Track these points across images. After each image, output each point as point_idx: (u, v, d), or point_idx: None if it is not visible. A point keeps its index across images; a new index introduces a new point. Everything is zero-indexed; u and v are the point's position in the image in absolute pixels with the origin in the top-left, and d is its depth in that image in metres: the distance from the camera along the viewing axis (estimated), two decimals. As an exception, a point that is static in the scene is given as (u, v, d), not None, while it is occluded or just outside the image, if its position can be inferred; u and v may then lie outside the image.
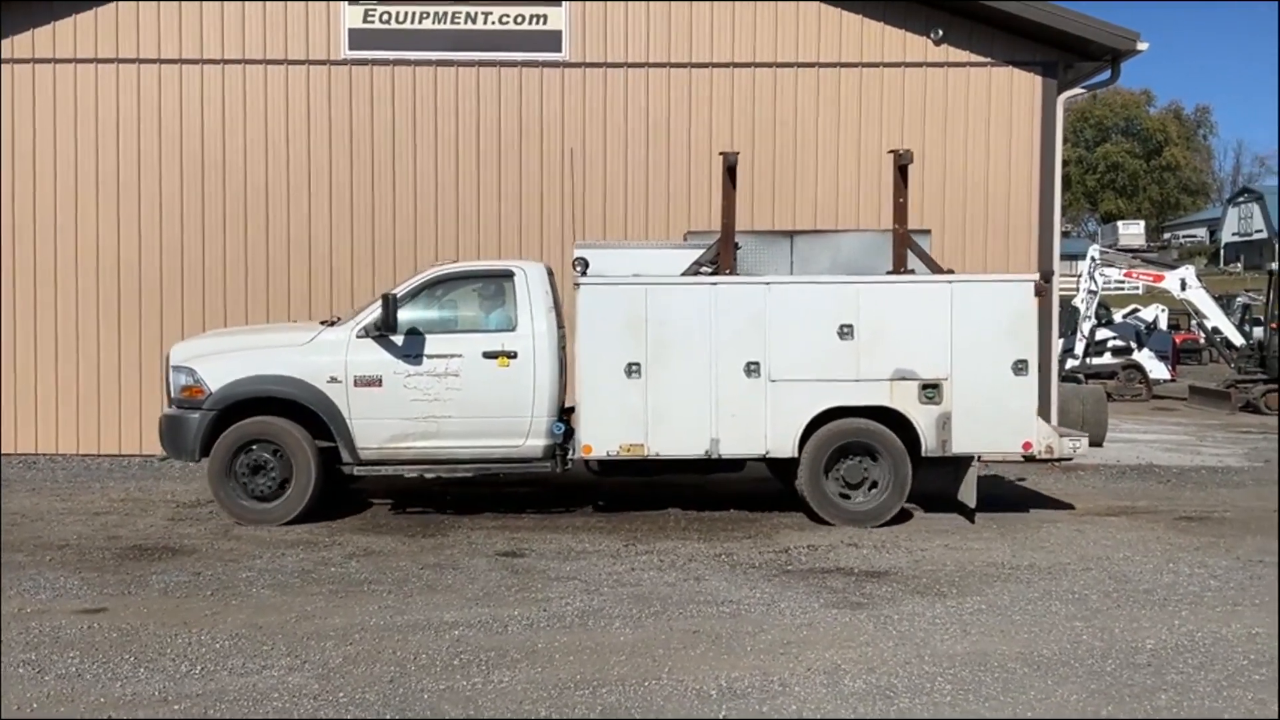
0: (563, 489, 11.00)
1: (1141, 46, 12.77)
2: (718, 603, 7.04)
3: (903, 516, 9.54)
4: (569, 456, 9.51)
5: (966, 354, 9.32)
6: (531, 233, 13.13)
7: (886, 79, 13.23)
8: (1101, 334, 24.22)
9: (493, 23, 13.06)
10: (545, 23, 13.08)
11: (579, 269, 9.64)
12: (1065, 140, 15.63)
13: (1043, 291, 9.59)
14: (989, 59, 13.20)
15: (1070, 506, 10.52)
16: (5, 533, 8.96)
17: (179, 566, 7.94)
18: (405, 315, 9.37)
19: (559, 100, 13.14)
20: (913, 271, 9.86)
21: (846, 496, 9.44)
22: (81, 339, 13.06)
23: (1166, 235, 79.77)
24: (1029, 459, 9.60)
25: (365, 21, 13.04)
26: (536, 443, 9.49)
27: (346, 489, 10.38)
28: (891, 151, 10.36)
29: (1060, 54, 13.19)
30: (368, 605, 6.93)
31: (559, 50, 13.12)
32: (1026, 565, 8.09)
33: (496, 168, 13.15)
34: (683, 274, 9.75)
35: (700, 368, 9.31)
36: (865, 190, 13.19)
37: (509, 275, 9.70)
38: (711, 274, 9.70)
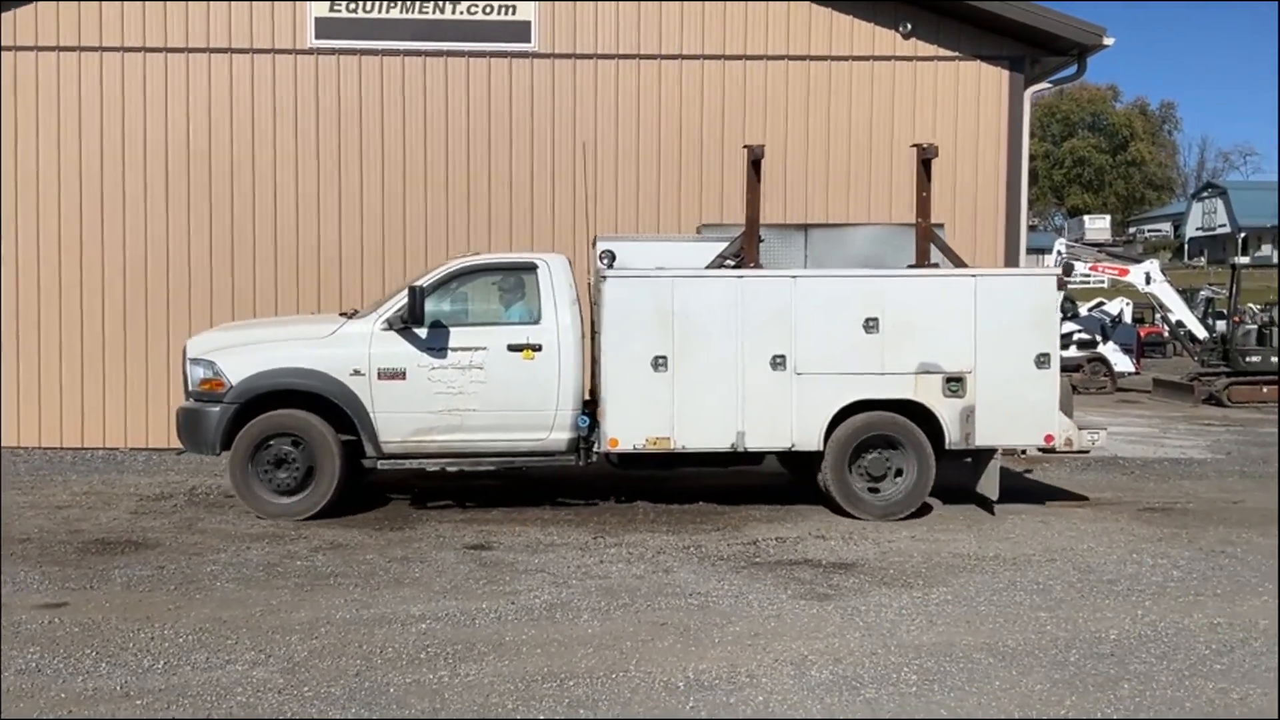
0: (530, 482, 10.96)
1: (1108, 42, 12.87)
2: (686, 595, 7.05)
3: (922, 510, 9.58)
4: (594, 449, 9.47)
5: (990, 347, 9.38)
6: (501, 227, 13.07)
7: (856, 72, 13.26)
8: (1067, 327, 24.41)
9: (461, 13, 12.98)
10: (514, 13, 13.01)
11: (605, 261, 9.64)
12: (1032, 135, 15.76)
13: (1063, 286, 9.65)
14: (957, 53, 13.26)
15: (1042, 501, 10.60)
16: (-36, 527, 8.84)
17: (142, 560, 7.86)
18: (429, 307, 9.30)
19: (528, 91, 13.08)
20: (936, 265, 9.93)
21: (873, 490, 9.47)
22: (43, 331, 12.87)
23: (1132, 230, 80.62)
24: (1048, 451, 9.70)
25: (332, 11, 12.93)
26: (561, 436, 9.46)
27: (360, 483, 10.24)
28: (915, 145, 10.42)
29: (1027, 49, 13.26)
30: (334, 599, 6.89)
31: (528, 41, 13.05)
32: (992, 556, 8.14)
33: (465, 159, 13.07)
34: (707, 267, 9.75)
35: (726, 361, 9.30)
36: (834, 181, 13.23)
37: (532, 268, 9.65)
38: (734, 267, 9.69)
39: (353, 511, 9.51)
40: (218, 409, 9.23)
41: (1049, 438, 9.49)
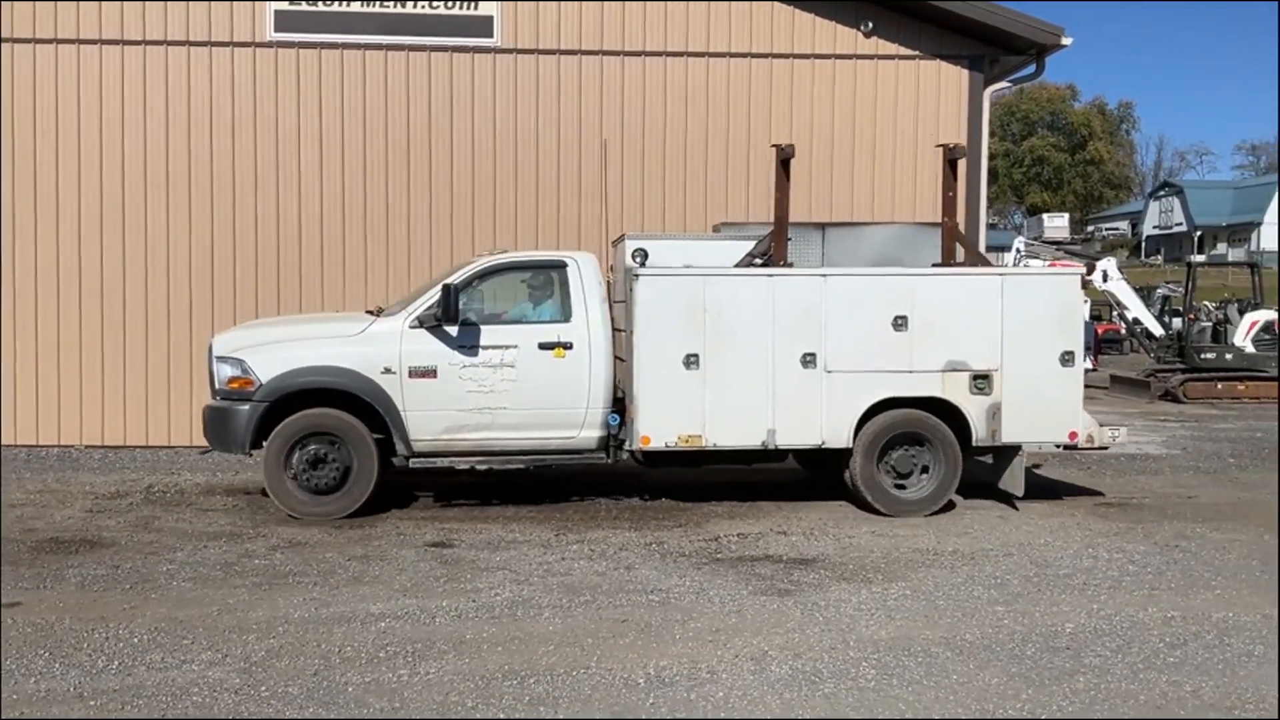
0: (496, 478, 10.92)
1: (1065, 41, 13.00)
2: (647, 591, 7.05)
3: (946, 507, 9.64)
4: (624, 447, 9.47)
5: (1016, 345, 9.47)
6: (462, 225, 13.03)
7: (817, 71, 13.31)
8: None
9: (423, 7, 12.90)
10: (476, 8, 12.95)
11: (638, 260, 9.64)
12: (993, 134, 15.88)
13: (1086, 285, 9.76)
14: (917, 52, 13.35)
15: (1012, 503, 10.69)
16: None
17: (97, 559, 7.76)
18: (459, 305, 9.27)
19: (490, 86, 13.03)
20: (962, 264, 9.98)
21: (900, 486, 9.52)
22: (-4, 327, 12.70)
23: (1090, 228, 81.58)
24: (1070, 448, 9.82)
25: (292, 3, 12.80)
26: (591, 434, 9.48)
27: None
28: (940, 145, 10.53)
29: (986, 48, 13.38)
30: (292, 598, 6.83)
31: (490, 36, 13.00)
32: (950, 551, 8.21)
33: (428, 155, 12.99)
34: (735, 265, 9.77)
35: (757, 359, 9.33)
36: (796, 179, 13.24)
37: (562, 266, 9.65)
38: (762, 265, 9.72)
39: (376, 510, 9.45)
40: (247, 407, 9.13)
41: (1073, 434, 9.62)
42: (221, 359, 9.31)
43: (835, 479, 9.98)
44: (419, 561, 7.78)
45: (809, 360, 9.36)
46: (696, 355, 9.27)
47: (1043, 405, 9.52)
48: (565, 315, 9.50)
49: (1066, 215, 69.83)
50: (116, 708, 5.07)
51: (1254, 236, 76.75)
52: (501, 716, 5.03)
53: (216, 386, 9.37)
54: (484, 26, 12.99)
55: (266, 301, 12.82)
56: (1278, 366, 20.88)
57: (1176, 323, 23.15)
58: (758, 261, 9.81)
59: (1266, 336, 21.66)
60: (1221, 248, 76.05)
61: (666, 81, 13.17)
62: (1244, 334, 21.58)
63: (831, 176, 13.33)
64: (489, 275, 9.65)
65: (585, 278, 9.58)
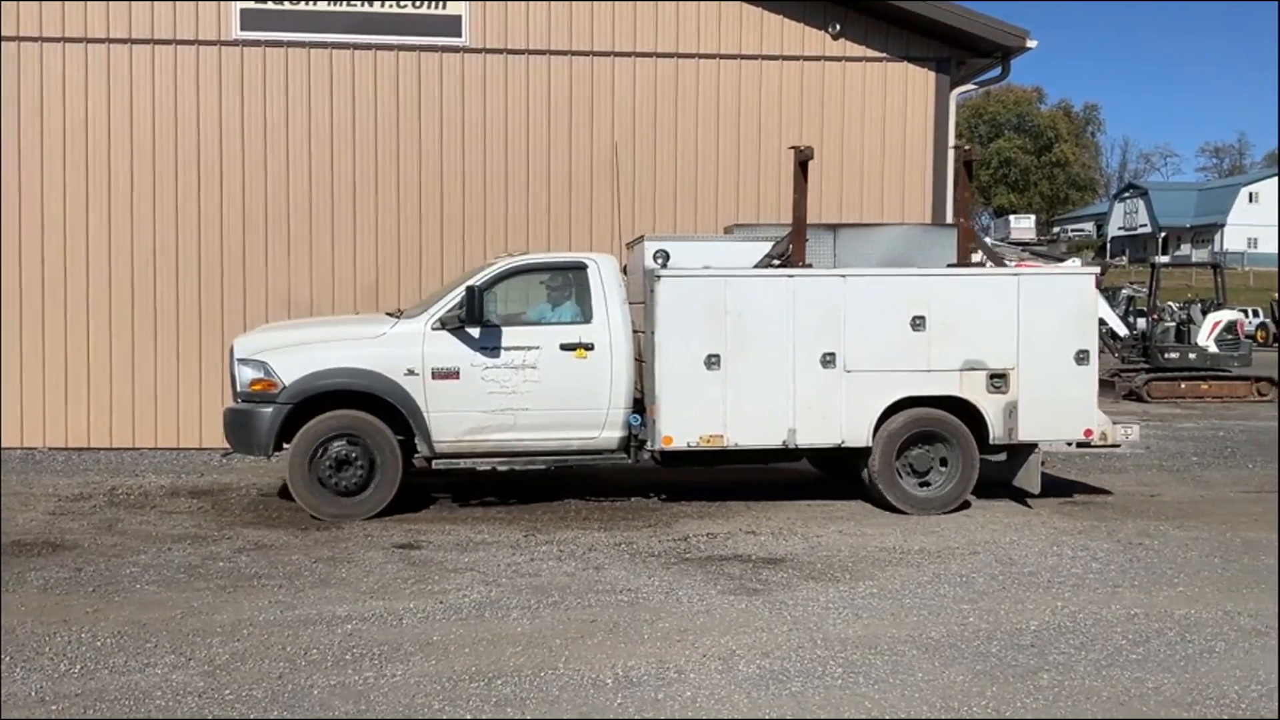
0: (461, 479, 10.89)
1: (1031, 44, 13.12)
2: (616, 591, 7.05)
3: (962, 506, 9.70)
4: (645, 447, 9.49)
5: (1032, 344, 9.56)
6: (430, 225, 12.99)
7: (786, 72, 13.36)
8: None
9: (391, 5, 12.84)
10: (444, 7, 12.90)
11: (659, 261, 9.67)
12: (960, 136, 15.97)
13: (1100, 284, 9.88)
14: (884, 54, 13.42)
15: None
16: None
17: (60, 562, 7.67)
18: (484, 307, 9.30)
19: (458, 87, 12.98)
20: (982, 264, 10.05)
21: (920, 485, 9.58)
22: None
23: (1056, 229, 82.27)
24: (1084, 445, 9.93)
25: (258, 1, 12.71)
26: (612, 434, 9.52)
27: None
28: (955, 147, 10.65)
29: (952, 50, 13.47)
30: (257, 600, 6.78)
31: (459, 35, 12.96)
32: (917, 550, 8.26)
33: (394, 155, 12.93)
34: (754, 266, 9.81)
35: (778, 359, 9.37)
36: (765, 180, 13.31)
37: (582, 267, 9.70)
38: (779, 266, 9.77)
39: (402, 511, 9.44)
40: (270, 410, 9.10)
41: (1088, 432, 9.74)
42: (244, 361, 9.29)
43: (848, 479, 10.11)
44: (386, 563, 7.74)
45: (829, 360, 9.43)
46: (718, 356, 9.32)
47: (1059, 403, 9.64)
48: (586, 316, 9.56)
49: (1033, 217, 70.39)
50: (79, 712, 5.02)
51: (1217, 237, 77.78)
52: (468, 718, 5.01)
53: (238, 389, 9.34)
54: (452, 26, 12.94)
55: (231, 301, 12.72)
56: (1278, 367, 21.13)
57: (1141, 323, 23.39)
58: (775, 262, 9.88)
59: (1229, 336, 21.92)
60: (1185, 249, 76.96)
61: (635, 80, 13.16)
62: (1207, 334, 21.82)
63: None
64: (510, 277, 9.68)
65: (605, 279, 9.64)
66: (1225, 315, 22.21)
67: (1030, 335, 9.58)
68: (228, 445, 9.66)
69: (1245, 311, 35.70)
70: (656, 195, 13.17)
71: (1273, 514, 9.70)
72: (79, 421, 12.59)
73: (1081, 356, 9.66)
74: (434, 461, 9.39)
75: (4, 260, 12.51)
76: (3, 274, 12.52)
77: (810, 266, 9.76)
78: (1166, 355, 21.69)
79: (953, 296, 9.58)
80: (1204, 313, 22.48)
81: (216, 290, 12.74)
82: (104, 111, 12.59)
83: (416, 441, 9.31)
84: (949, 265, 10.00)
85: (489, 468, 9.53)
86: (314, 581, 7.24)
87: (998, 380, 9.58)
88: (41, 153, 12.54)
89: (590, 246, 12.16)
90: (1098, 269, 10.19)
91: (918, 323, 9.49)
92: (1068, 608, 6.78)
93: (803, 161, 10.02)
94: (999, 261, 10.21)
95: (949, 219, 13.62)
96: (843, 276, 9.56)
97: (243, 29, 12.71)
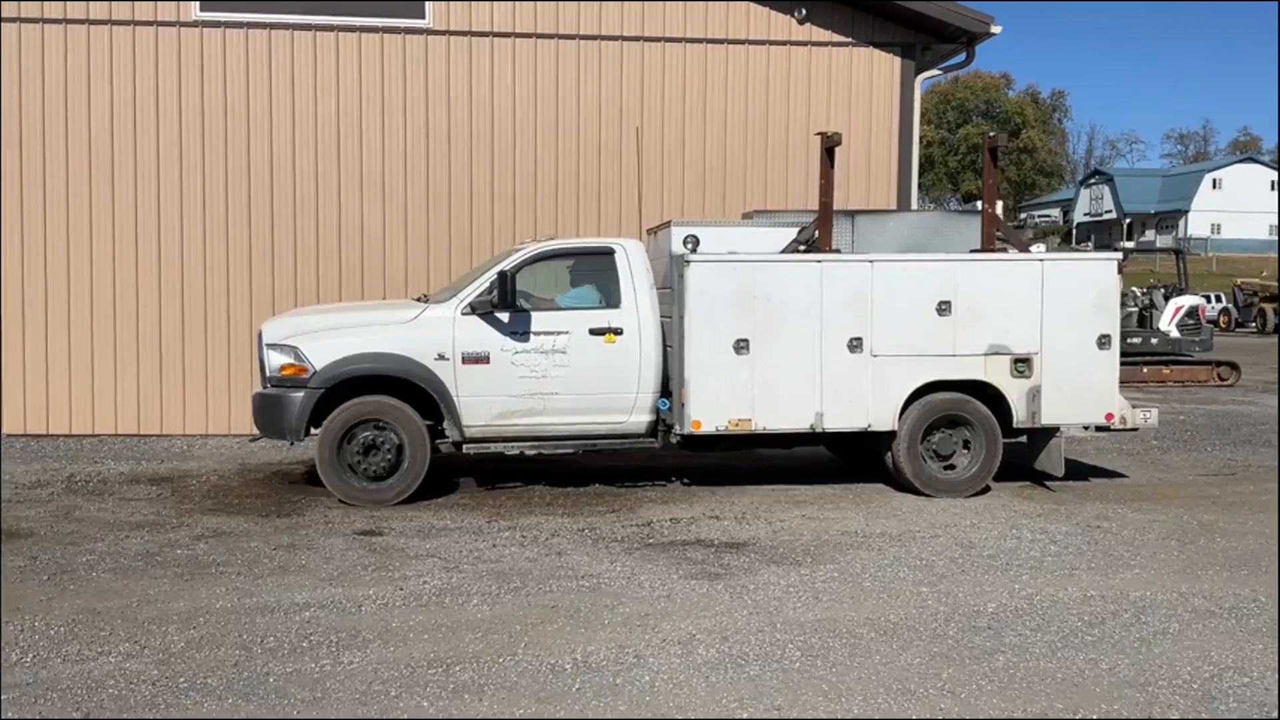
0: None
1: (995, 30, 13.16)
2: (578, 577, 7.04)
3: (982, 490, 9.76)
4: (674, 431, 9.50)
5: (1055, 329, 9.64)
6: (395, 208, 12.88)
7: (752, 57, 13.33)
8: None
9: (354, -12, 12.70)
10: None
11: (689, 246, 9.67)
12: (929, 122, 16.11)
13: (1122, 270, 9.94)
14: (850, 39, 13.43)
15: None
16: None
17: (14, 550, 7.57)
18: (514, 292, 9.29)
19: (422, 70, 12.88)
20: (1005, 249, 10.10)
21: (945, 468, 9.65)
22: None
23: (1023, 215, 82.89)
24: (1104, 429, 10.04)
25: (217, -15, 12.55)
26: (640, 419, 9.57)
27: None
28: (983, 134, 10.77)
29: (918, 36, 13.50)
30: (214, 588, 6.72)
31: (422, 17, 12.85)
32: (879, 533, 8.31)
33: (358, 139, 12.83)
34: (782, 251, 9.82)
35: (806, 344, 9.41)
36: (732, 167, 13.31)
37: (610, 252, 9.71)
38: (805, 251, 9.79)
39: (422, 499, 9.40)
40: (301, 395, 9.06)
41: (1109, 416, 9.85)
42: (273, 346, 9.25)
43: (864, 462, 10.24)
44: (347, 550, 7.70)
45: (856, 345, 9.47)
46: (746, 340, 9.34)
47: (1081, 387, 9.74)
48: (614, 301, 9.57)
49: (1000, 203, 70.87)
50: (29, 701, 4.96)
51: (1181, 223, 78.53)
52: (425, 704, 4.99)
53: (268, 374, 9.29)
54: (414, 9, 12.82)
55: (191, 288, 12.59)
56: (1278, 354, 21.31)
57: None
58: (802, 248, 9.91)
59: (1191, 321, 22.15)
60: (1150, 234, 77.71)
61: (601, 64, 13.10)
62: (1169, 319, 22.05)
63: (766, 165, 13.37)
64: (538, 261, 9.69)
65: (634, 264, 9.65)
66: (1187, 300, 22.44)
67: (1054, 320, 9.67)
68: (255, 429, 9.64)
69: (1207, 297, 36.14)
70: (623, 183, 13.12)
71: (1231, 497, 9.83)
72: (37, 408, 12.43)
73: (1103, 341, 9.76)
74: (464, 446, 9.40)
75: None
76: (-42, 259, 12.34)
77: (838, 252, 9.80)
78: (1129, 340, 21.83)
79: (978, 281, 9.64)
80: (1166, 298, 22.69)
81: (176, 275, 12.59)
82: (59, 94, 12.40)
83: (446, 426, 9.33)
84: (972, 250, 10.06)
85: (518, 452, 9.58)
86: (273, 569, 7.19)
87: (1021, 365, 9.66)
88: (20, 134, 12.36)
89: (577, 231, 12.14)
90: (1120, 255, 10.27)
91: (943, 308, 9.55)
92: (1025, 590, 6.84)
93: (829, 148, 10.04)
94: (1023, 247, 10.27)
95: (913, 205, 13.70)
96: (870, 262, 9.60)
97: (202, 10, 12.55)
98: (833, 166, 10.08)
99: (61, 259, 12.46)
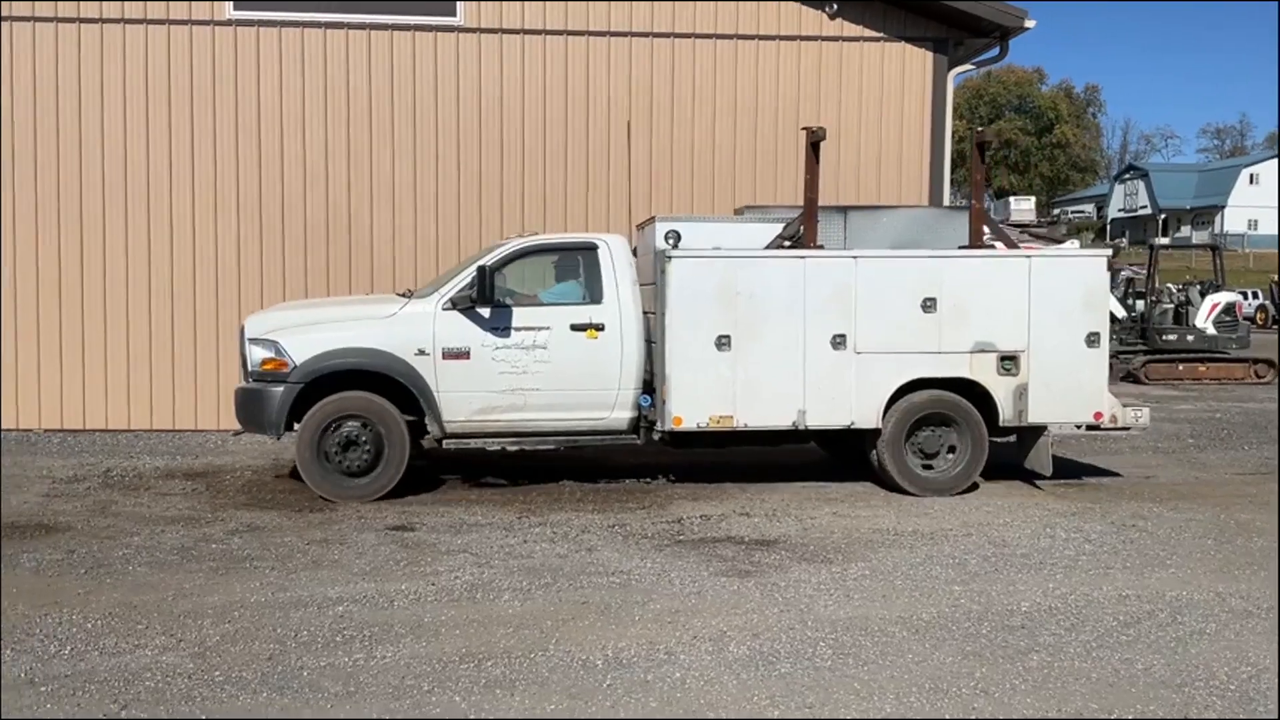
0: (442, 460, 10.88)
1: (1029, 24, 13.04)
2: (608, 573, 7.05)
3: (970, 487, 9.71)
4: (655, 428, 9.50)
5: (1042, 327, 9.56)
6: (425, 206, 12.93)
7: (783, 52, 13.28)
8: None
9: (385, -13, 12.76)
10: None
11: (671, 241, 9.67)
12: (961, 117, 15.97)
13: (1112, 268, 9.86)
14: (882, 34, 13.35)
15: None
16: None
17: (52, 544, 7.67)
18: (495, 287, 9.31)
19: (453, 67, 12.92)
20: (994, 246, 10.05)
21: (928, 467, 9.60)
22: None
23: (1056, 211, 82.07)
24: (1094, 428, 9.91)
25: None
26: (622, 415, 9.56)
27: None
28: (974, 130, 10.67)
29: (950, 30, 13.40)
30: (249, 582, 6.78)
31: (454, 16, 12.88)
32: (910, 531, 8.26)
33: (390, 135, 12.88)
34: (765, 248, 9.80)
35: (788, 340, 9.38)
36: (763, 161, 13.26)
37: (593, 247, 9.70)
38: (790, 248, 9.75)
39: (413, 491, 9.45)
40: (281, 389, 9.11)
41: (1098, 415, 9.73)
42: (255, 340, 9.29)
43: (854, 460, 10.12)
44: (379, 545, 7.74)
45: (839, 341, 9.42)
46: (728, 337, 9.31)
47: (1069, 386, 9.63)
48: (596, 297, 9.56)
49: (1033, 198, 70.03)
50: (68, 694, 5.02)
51: (1217, 219, 77.57)
52: (457, 699, 5.02)
53: (249, 368, 9.35)
54: (446, 8, 12.87)
55: (225, 284, 12.70)
56: (1278, 350, 21.08)
57: (1139, 305, 23.36)
58: (787, 244, 9.87)
59: (1227, 318, 21.90)
60: (1185, 230, 76.83)
61: (631, 61, 13.09)
62: (1205, 316, 21.80)
63: (798, 159, 13.30)
64: (521, 257, 9.69)
65: (616, 259, 9.63)
66: (1223, 297, 22.18)
67: (1041, 317, 9.57)
68: (238, 425, 9.66)
69: (1244, 294, 35.69)
70: (654, 177, 13.10)
71: (1268, 495, 9.71)
72: (74, 403, 12.58)
73: (1092, 339, 9.65)
74: (444, 442, 9.41)
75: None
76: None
77: (822, 248, 9.75)
78: (1164, 337, 21.66)
79: (964, 278, 9.56)
80: (1202, 294, 22.44)
81: (210, 273, 12.71)
82: (95, 91, 12.53)
83: (427, 422, 9.33)
84: (960, 247, 9.98)
85: (499, 448, 9.56)
86: (306, 563, 7.24)
87: (1008, 362, 9.58)
88: (35, 134, 12.49)
89: (586, 227, 12.14)
90: (1109, 251, 10.14)
91: (928, 304, 9.48)
92: (1059, 589, 6.78)
93: (814, 143, 9.99)
94: (1011, 244, 10.17)
95: (946, 201, 13.61)
96: (854, 258, 9.54)
97: (236, 9, 12.64)
98: (818, 161, 9.99)
99: (98, 254, 12.59)
